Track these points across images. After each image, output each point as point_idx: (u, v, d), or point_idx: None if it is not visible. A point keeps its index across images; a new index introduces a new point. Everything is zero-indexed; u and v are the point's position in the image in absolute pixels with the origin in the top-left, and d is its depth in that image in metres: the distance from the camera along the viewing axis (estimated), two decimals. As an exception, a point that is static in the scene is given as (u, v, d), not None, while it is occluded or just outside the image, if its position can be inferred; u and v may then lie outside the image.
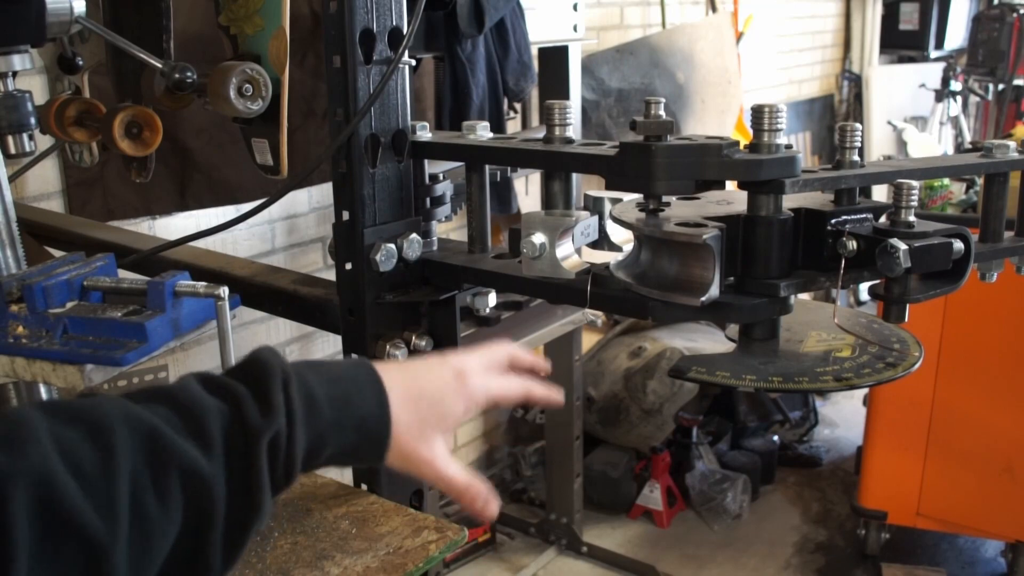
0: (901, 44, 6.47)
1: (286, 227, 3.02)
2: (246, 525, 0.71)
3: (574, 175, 1.21)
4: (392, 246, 1.26)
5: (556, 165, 1.18)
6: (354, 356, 0.88)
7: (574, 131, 1.22)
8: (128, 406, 0.69)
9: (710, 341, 3.83)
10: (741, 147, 1.06)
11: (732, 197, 1.14)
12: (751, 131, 1.05)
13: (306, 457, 0.78)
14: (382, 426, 0.83)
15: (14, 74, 1.30)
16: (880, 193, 1.24)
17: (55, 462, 0.61)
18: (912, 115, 6.40)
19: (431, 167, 1.36)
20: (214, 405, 0.72)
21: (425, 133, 1.32)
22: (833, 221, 1.07)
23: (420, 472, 0.87)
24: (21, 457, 0.60)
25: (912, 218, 1.03)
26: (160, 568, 0.67)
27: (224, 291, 1.15)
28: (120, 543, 0.63)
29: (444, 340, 1.33)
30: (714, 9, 4.89)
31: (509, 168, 1.77)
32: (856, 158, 1.12)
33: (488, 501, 0.90)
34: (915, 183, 1.04)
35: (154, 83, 1.54)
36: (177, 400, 0.72)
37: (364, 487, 1.37)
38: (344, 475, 1.34)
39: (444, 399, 0.90)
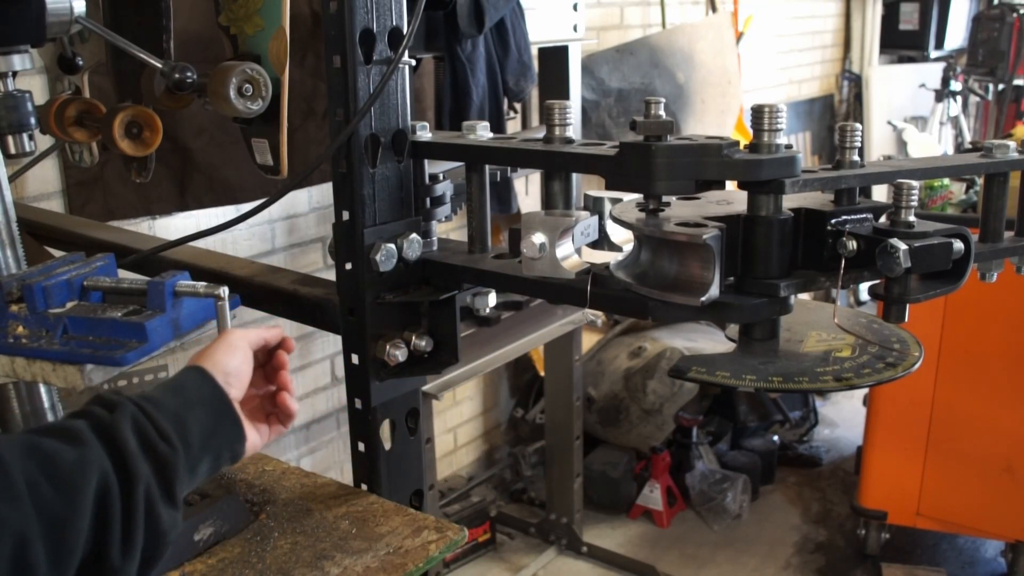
0: (901, 44, 6.47)
1: (286, 227, 3.02)
2: (131, 499, 0.80)
3: (574, 175, 1.21)
4: (392, 246, 1.26)
5: (556, 165, 1.18)
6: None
7: (574, 131, 1.22)
8: (4, 435, 0.82)
9: (710, 341, 3.83)
10: (741, 147, 1.06)
11: (732, 197, 1.14)
12: (751, 131, 1.04)
13: (176, 430, 0.89)
14: (215, 388, 0.98)
15: (14, 74, 1.30)
16: (880, 193, 1.24)
17: None
18: (912, 115, 6.39)
19: (431, 167, 1.35)
20: (74, 421, 0.84)
21: (425, 133, 1.32)
22: (833, 221, 1.07)
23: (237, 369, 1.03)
24: None
25: (912, 218, 1.03)
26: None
27: (224, 291, 1.15)
28: (34, 533, 0.71)
29: (444, 340, 1.33)
30: (714, 9, 4.89)
31: (509, 168, 1.77)
32: (856, 158, 1.11)
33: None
34: (915, 183, 1.04)
35: (154, 83, 1.54)
36: (41, 429, 0.83)
37: (364, 487, 1.37)
38: (344, 475, 1.34)
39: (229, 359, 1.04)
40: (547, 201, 1.21)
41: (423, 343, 1.31)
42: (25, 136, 1.32)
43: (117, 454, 0.81)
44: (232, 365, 1.01)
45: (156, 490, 0.83)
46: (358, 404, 1.36)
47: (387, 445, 1.37)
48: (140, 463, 0.82)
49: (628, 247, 1.18)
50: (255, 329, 1.09)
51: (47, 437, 0.80)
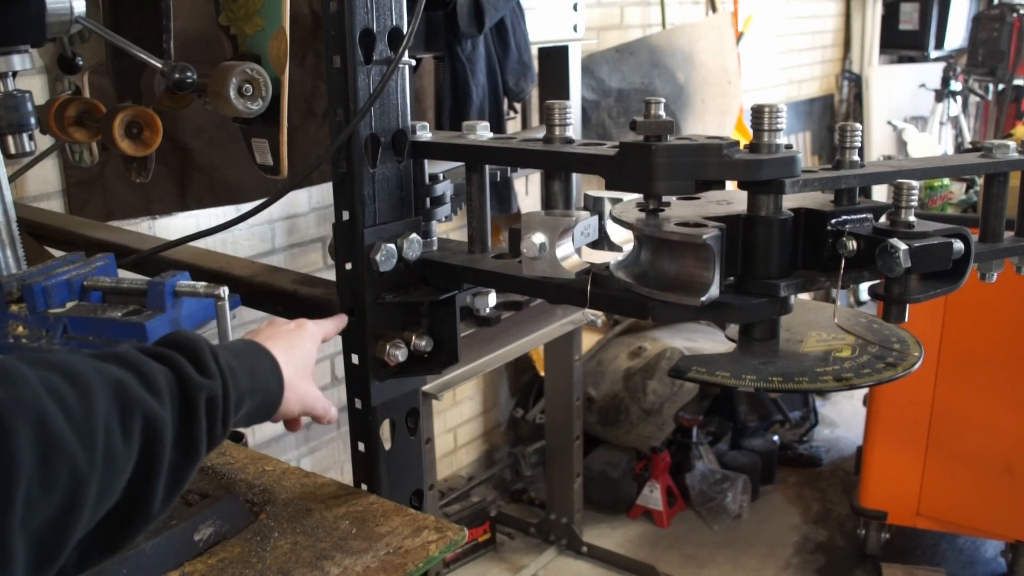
0: (901, 44, 6.47)
1: (286, 227, 3.02)
2: (184, 472, 0.84)
3: (574, 175, 1.21)
4: (392, 246, 1.26)
5: (556, 165, 1.18)
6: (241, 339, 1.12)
7: (574, 131, 1.22)
8: (91, 360, 0.80)
9: (710, 341, 3.84)
10: (741, 147, 1.06)
11: (732, 197, 1.14)
12: (751, 131, 1.04)
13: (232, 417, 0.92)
14: (279, 389, 1.04)
15: (14, 74, 1.30)
16: (880, 193, 1.24)
17: (45, 399, 0.70)
18: (912, 115, 6.39)
19: (431, 167, 1.35)
20: (158, 367, 0.84)
21: (425, 133, 1.31)
22: (833, 221, 1.07)
23: (309, 405, 1.12)
24: (16, 393, 0.69)
25: (912, 218, 1.03)
26: (110, 507, 0.76)
27: (224, 291, 1.15)
28: (95, 474, 0.71)
29: (444, 340, 1.33)
30: (714, 9, 4.89)
31: (509, 168, 1.77)
32: (856, 158, 1.11)
33: (335, 415, 1.19)
34: (915, 183, 1.04)
35: (154, 83, 1.54)
36: (126, 360, 0.82)
37: (364, 487, 1.37)
38: (344, 475, 1.34)
39: (304, 347, 1.15)
40: (547, 201, 1.21)
41: (423, 343, 1.31)
42: (25, 136, 1.32)
43: (185, 426, 0.84)
44: (310, 393, 1.11)
45: (203, 460, 0.88)
46: (358, 404, 1.36)
47: (387, 445, 1.37)
48: (202, 444, 0.86)
49: (628, 247, 1.18)
50: (329, 327, 1.24)
51: (132, 374, 0.81)
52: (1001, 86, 6.08)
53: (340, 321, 1.29)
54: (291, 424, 1.17)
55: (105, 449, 0.73)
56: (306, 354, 1.13)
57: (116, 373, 0.79)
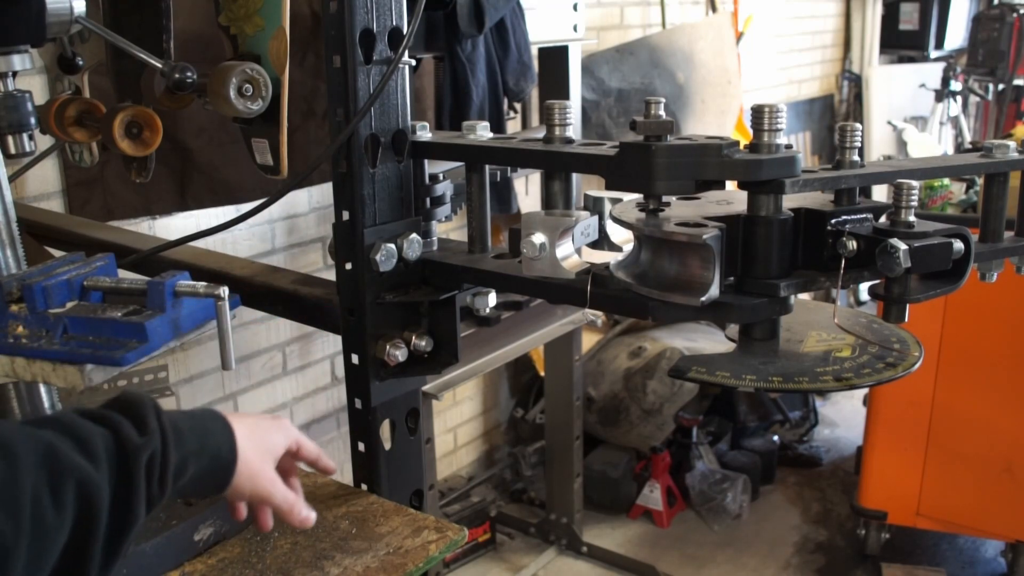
0: (901, 44, 6.47)
1: (286, 227, 3.02)
2: (122, 535, 0.80)
3: (574, 175, 1.21)
4: (392, 246, 1.26)
5: (556, 165, 1.18)
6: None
7: (574, 131, 1.22)
8: (23, 426, 0.77)
9: (710, 341, 3.84)
10: (741, 147, 1.06)
11: (732, 197, 1.14)
12: (751, 131, 1.04)
13: (173, 478, 0.88)
14: (232, 455, 0.98)
15: (14, 74, 1.30)
16: (880, 193, 1.24)
17: None
18: (912, 115, 6.39)
19: (431, 167, 1.36)
20: (95, 428, 0.81)
21: (425, 133, 1.32)
22: (833, 221, 1.07)
23: (263, 489, 1.02)
24: None
25: (912, 218, 1.03)
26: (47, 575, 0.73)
27: (224, 291, 1.15)
28: (21, 546, 0.69)
29: (444, 340, 1.33)
30: (714, 9, 4.89)
31: (509, 168, 1.77)
32: (856, 158, 1.11)
33: (307, 516, 1.07)
34: (915, 183, 1.04)
35: (154, 83, 1.54)
36: (62, 424, 0.79)
37: (364, 487, 1.37)
38: (344, 475, 1.35)
39: (271, 434, 1.07)
40: (547, 201, 1.21)
41: (423, 343, 1.31)
42: (25, 136, 1.32)
43: (123, 488, 0.81)
44: (266, 476, 1.03)
45: (141, 524, 0.84)
46: (358, 404, 1.36)
47: (387, 445, 1.37)
48: (140, 507, 0.82)
49: (628, 247, 1.18)
50: (313, 444, 1.16)
51: (68, 439, 0.78)
52: (1001, 86, 6.08)
53: (322, 455, 1.21)
54: (233, 510, 1.08)
55: (33, 517, 0.71)
56: (270, 439, 1.05)
57: (48, 438, 0.76)
